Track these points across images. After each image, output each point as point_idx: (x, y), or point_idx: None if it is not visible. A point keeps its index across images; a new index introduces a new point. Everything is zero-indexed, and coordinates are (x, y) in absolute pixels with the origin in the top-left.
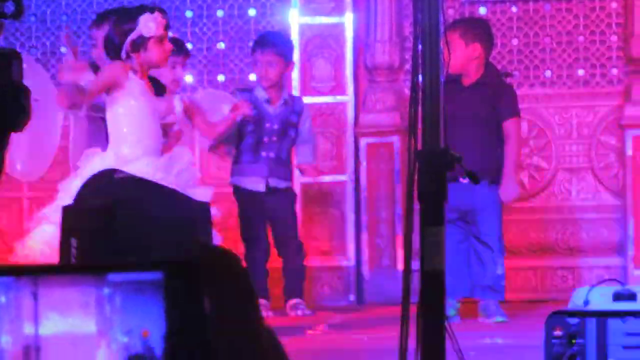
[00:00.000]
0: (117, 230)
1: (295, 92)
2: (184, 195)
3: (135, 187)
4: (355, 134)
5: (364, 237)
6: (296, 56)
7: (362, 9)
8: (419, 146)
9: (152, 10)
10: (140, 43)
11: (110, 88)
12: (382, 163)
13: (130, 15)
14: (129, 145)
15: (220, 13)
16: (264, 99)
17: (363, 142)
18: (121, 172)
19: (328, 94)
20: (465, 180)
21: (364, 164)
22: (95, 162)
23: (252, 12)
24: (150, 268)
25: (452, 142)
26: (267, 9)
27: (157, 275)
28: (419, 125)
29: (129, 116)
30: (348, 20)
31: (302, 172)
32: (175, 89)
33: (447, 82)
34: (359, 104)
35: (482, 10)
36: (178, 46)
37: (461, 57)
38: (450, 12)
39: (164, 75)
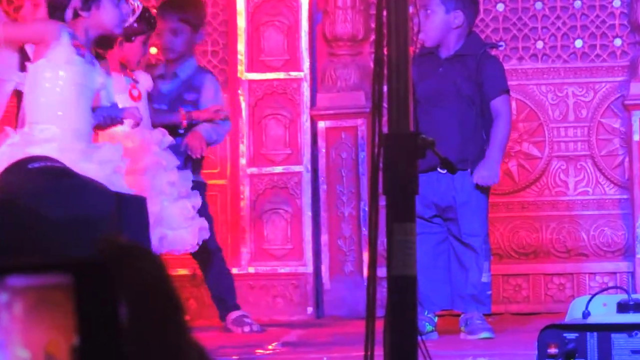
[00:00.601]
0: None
1: (241, 67)
2: (101, 188)
3: (48, 179)
4: (312, 116)
5: (324, 238)
6: (242, 24)
7: None
8: (385, 130)
9: None
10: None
11: (37, 48)
12: (344, 151)
13: None
14: (49, 124)
15: None
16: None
17: (321, 125)
18: (38, 160)
19: (280, 70)
20: (443, 170)
21: (322, 152)
22: (3, 146)
23: None
24: (57, 269)
25: (428, 125)
26: None
27: (65, 278)
28: (384, 106)
29: (53, 89)
30: None
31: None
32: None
33: (420, 55)
34: (317, 82)
35: None
36: (145, 18)
37: (440, 26)
38: None
39: (132, 52)
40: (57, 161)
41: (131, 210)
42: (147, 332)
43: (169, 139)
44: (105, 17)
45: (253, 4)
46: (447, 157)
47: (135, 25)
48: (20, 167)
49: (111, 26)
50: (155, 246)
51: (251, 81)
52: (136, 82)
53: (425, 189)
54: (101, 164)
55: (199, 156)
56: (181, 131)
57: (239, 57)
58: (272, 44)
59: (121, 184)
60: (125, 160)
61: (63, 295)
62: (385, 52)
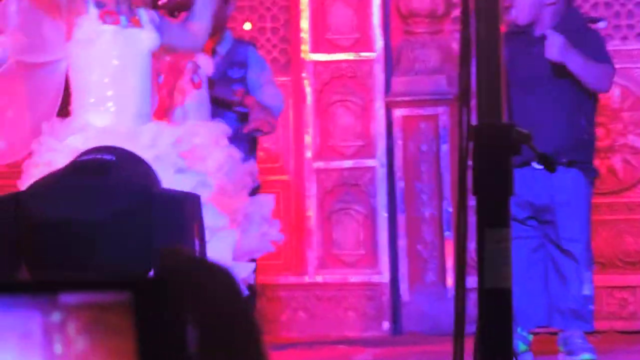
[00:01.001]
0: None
1: (305, 47)
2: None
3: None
4: (387, 103)
5: (402, 243)
6: None
7: None
8: (474, 121)
9: None
10: None
11: (67, 26)
12: (423, 143)
13: None
14: (93, 109)
15: None
16: None
17: (397, 114)
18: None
19: (349, 50)
20: (540, 166)
21: (399, 144)
22: (43, 137)
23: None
24: (114, 286)
25: (520, 114)
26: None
27: (123, 296)
28: (473, 93)
29: (90, 70)
30: None
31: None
32: None
33: (511, 34)
34: (391, 64)
35: None
36: None
37: (534, 1)
38: None
39: None
40: (106, 149)
41: (161, 209)
42: (219, 356)
43: (228, 129)
44: None
45: None
46: (544, 151)
47: None
48: (101, 169)
49: None
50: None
51: (316, 63)
52: (197, 67)
53: (519, 186)
54: (143, 149)
55: (270, 130)
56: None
57: (303, 35)
58: (339, 20)
59: (165, 173)
60: (179, 147)
61: (121, 315)
62: (473, 30)
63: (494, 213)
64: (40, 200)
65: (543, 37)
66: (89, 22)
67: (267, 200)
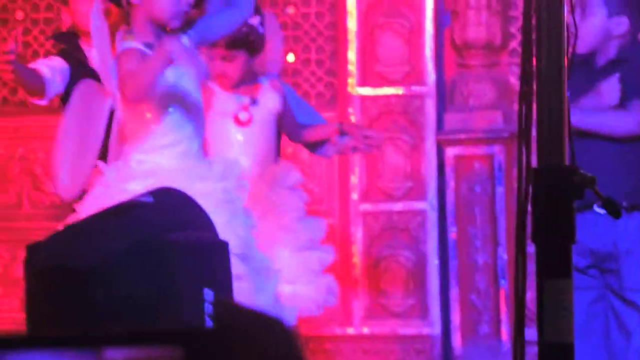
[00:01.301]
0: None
1: (352, 80)
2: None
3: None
4: (439, 141)
5: (454, 292)
6: (353, 27)
7: None
8: (534, 161)
9: None
10: None
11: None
12: (477, 184)
13: None
14: (150, 152)
15: None
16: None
17: (450, 153)
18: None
19: (399, 84)
20: (602, 211)
21: (451, 186)
22: (97, 187)
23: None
24: (164, 340)
25: (582, 154)
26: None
27: (174, 351)
28: (533, 131)
29: (144, 107)
30: None
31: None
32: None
33: (573, 66)
34: (444, 99)
35: None
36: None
37: (598, 32)
38: None
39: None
40: (155, 192)
41: (176, 255)
42: None
43: (297, 176)
44: (157, 4)
45: (366, 2)
46: (609, 195)
47: None
48: (125, 211)
49: (165, 16)
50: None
51: (364, 97)
52: (253, 102)
53: (579, 232)
54: (216, 181)
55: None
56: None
57: (350, 67)
58: (389, 52)
59: (230, 205)
60: (244, 181)
61: None
62: (534, 63)
63: (554, 262)
64: (42, 249)
65: (606, 69)
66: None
67: (318, 224)
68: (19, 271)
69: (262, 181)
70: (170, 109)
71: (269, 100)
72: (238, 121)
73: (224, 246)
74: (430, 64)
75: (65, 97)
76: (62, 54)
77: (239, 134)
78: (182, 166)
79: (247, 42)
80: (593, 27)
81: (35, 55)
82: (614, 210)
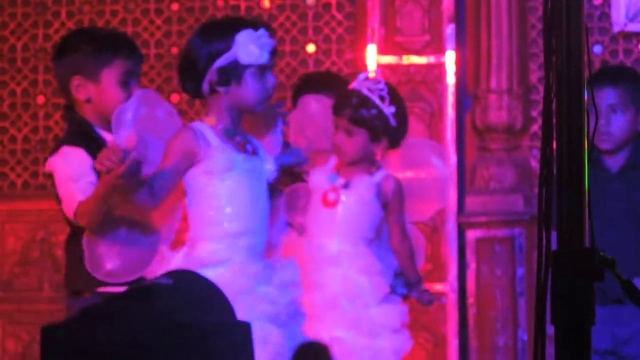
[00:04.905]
0: None
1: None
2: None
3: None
4: (460, 224)
5: None
6: None
7: (470, 46)
8: (554, 244)
9: (255, 25)
10: (233, 72)
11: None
12: (498, 267)
13: (222, 29)
14: (218, 241)
15: None
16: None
17: (471, 235)
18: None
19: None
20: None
21: (471, 268)
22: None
23: (310, 48)
24: None
25: (600, 238)
26: (331, 44)
27: None
28: (554, 214)
29: (218, 199)
30: (449, 60)
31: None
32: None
33: (593, 150)
34: (465, 181)
35: None
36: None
37: (627, 128)
38: (596, 50)
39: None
40: (175, 274)
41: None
42: None
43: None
44: (248, 94)
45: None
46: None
47: None
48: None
49: (253, 104)
50: None
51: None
52: (345, 185)
53: (598, 317)
54: (282, 287)
55: None
56: None
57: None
58: (410, 135)
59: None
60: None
61: None
62: (554, 148)
63: (574, 345)
64: (57, 331)
65: (623, 171)
66: (219, 152)
67: (398, 309)
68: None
69: (351, 265)
70: (234, 202)
71: (363, 188)
72: (325, 201)
73: (246, 327)
74: (451, 146)
75: None
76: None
77: (324, 214)
78: (248, 261)
79: (370, 124)
80: (621, 124)
81: (56, 139)
82: (634, 294)
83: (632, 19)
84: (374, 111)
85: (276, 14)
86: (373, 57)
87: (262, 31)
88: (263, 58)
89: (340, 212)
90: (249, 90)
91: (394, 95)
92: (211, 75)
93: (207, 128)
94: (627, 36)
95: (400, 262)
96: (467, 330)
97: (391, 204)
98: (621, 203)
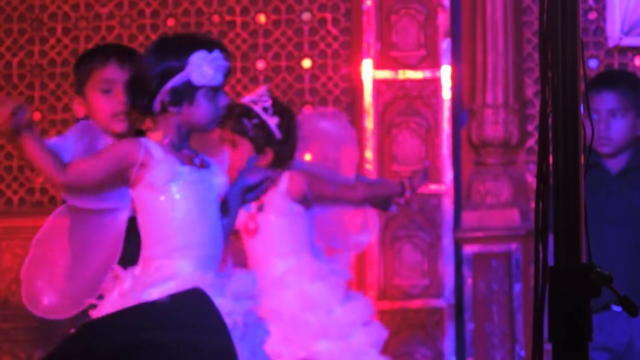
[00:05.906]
0: None
1: (370, 168)
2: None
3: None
4: (457, 239)
5: None
6: (370, 126)
7: (466, 60)
8: (551, 260)
9: (210, 46)
10: (186, 92)
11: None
12: (494, 282)
13: (176, 49)
14: (168, 258)
15: (260, 64)
16: None
17: (468, 250)
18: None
19: None
20: (619, 309)
21: (468, 283)
22: (114, 294)
23: (306, 63)
24: None
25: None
26: (327, 59)
27: None
28: (550, 230)
29: (165, 215)
30: (445, 75)
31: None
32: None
33: (589, 167)
34: (461, 197)
35: None
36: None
37: (628, 131)
38: (592, 64)
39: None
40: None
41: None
42: None
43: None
44: (199, 115)
45: (383, 101)
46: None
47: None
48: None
49: (204, 124)
50: None
51: None
52: (259, 209)
53: (597, 330)
54: (237, 298)
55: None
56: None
57: (367, 166)
58: (406, 150)
59: (259, 329)
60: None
61: None
62: (551, 162)
63: None
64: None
65: (623, 173)
66: (163, 164)
67: (361, 303)
68: None
69: (300, 278)
70: (179, 214)
71: (277, 201)
72: (248, 231)
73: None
74: (447, 162)
75: None
76: None
77: (252, 243)
78: (199, 276)
79: (253, 133)
80: (622, 128)
81: None
82: (630, 308)
83: (627, 33)
84: (255, 120)
85: (272, 29)
86: (369, 72)
87: (216, 53)
88: (217, 80)
89: (265, 235)
90: (201, 110)
91: (278, 107)
92: (163, 95)
93: (153, 143)
94: (623, 50)
95: (376, 195)
96: (464, 346)
97: (313, 191)
98: (621, 203)
